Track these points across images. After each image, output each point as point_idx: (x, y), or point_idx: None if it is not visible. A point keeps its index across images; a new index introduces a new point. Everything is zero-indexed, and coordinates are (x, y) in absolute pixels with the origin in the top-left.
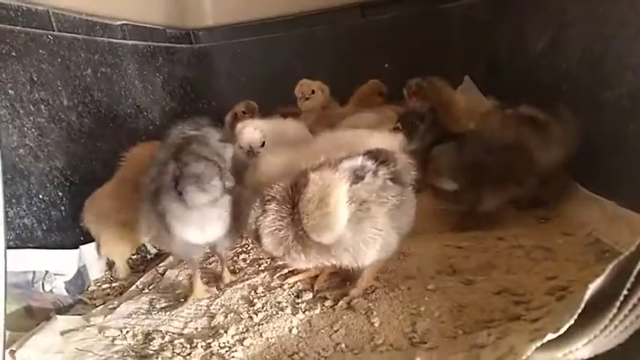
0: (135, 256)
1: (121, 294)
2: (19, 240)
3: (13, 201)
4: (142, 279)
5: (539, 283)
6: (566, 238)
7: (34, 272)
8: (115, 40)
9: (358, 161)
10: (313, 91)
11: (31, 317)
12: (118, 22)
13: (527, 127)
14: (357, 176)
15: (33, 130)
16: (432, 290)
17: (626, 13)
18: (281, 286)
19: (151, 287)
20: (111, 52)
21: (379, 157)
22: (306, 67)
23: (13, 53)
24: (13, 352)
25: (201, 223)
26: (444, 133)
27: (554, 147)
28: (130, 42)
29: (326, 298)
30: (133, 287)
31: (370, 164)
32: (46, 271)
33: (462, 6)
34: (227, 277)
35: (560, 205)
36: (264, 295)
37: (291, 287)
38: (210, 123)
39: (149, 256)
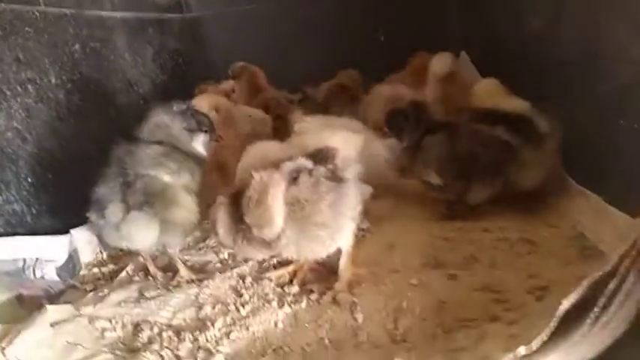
0: None
1: (111, 278)
2: (9, 226)
3: (2, 187)
4: (131, 265)
5: (521, 281)
6: (552, 230)
7: (24, 259)
8: (103, 13)
9: (297, 162)
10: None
11: (23, 306)
12: None
13: (504, 153)
14: (294, 177)
15: (20, 111)
16: (415, 285)
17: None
18: (268, 276)
19: (140, 273)
20: (99, 26)
21: (317, 156)
22: (299, 37)
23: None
24: (3, 349)
25: (124, 235)
26: (433, 123)
27: (532, 172)
28: (119, 14)
29: (312, 291)
30: (124, 273)
31: (308, 164)
32: (37, 258)
33: None
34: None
35: (548, 195)
36: (252, 286)
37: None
38: (182, 109)
39: None
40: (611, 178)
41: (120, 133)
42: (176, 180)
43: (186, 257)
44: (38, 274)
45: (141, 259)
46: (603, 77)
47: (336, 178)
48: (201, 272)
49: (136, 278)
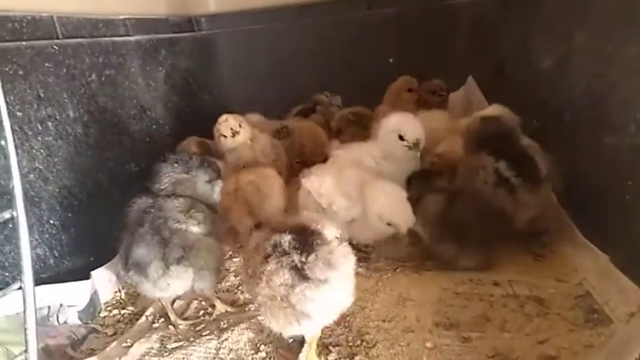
0: None
1: (131, 321)
2: (33, 272)
3: None
4: (150, 308)
5: (530, 348)
6: (559, 284)
7: (49, 306)
8: (118, 38)
9: (274, 238)
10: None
11: (49, 357)
12: (121, 17)
13: (502, 187)
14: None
15: (42, 151)
16: (430, 349)
17: (634, 60)
18: None
19: (160, 320)
20: (114, 52)
21: (298, 237)
22: (309, 58)
23: (20, 72)
24: None
25: (163, 288)
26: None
27: (526, 212)
28: (133, 38)
29: (330, 351)
30: (143, 319)
31: (283, 244)
32: (61, 304)
33: (471, 3)
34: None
35: (555, 241)
36: (270, 342)
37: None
38: (199, 163)
39: None
40: (616, 238)
41: (133, 162)
42: (203, 229)
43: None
44: (62, 319)
45: (160, 303)
46: (611, 131)
47: (303, 275)
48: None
49: (156, 325)
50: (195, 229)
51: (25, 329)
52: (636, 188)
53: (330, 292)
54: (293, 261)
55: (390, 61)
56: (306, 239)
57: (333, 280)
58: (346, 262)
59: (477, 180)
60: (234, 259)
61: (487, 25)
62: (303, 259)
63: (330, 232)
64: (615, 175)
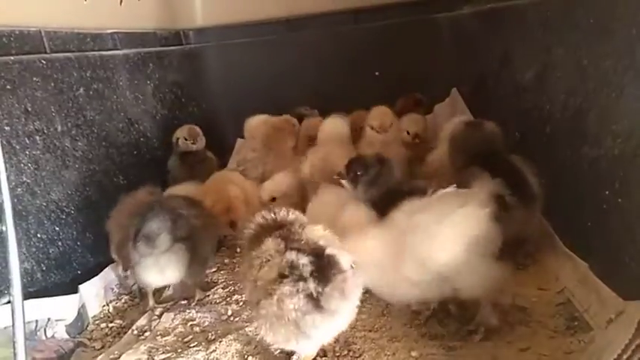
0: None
1: (119, 334)
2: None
3: None
4: (137, 322)
5: (513, 356)
6: (541, 293)
7: (36, 320)
8: (106, 52)
9: (296, 258)
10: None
11: None
12: (109, 31)
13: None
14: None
15: (29, 164)
16: (416, 358)
17: (609, 73)
18: None
19: (146, 333)
20: (102, 66)
21: (318, 259)
22: (296, 71)
23: (8, 86)
24: None
25: (159, 268)
26: (396, 188)
27: (515, 226)
28: (121, 52)
29: None
30: (129, 332)
31: (304, 269)
32: (49, 318)
33: (455, 17)
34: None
35: (537, 252)
36: (258, 353)
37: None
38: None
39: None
40: (595, 247)
41: (121, 175)
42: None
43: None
44: (49, 333)
45: (145, 318)
46: (589, 143)
47: (318, 305)
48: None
49: (143, 337)
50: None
51: (14, 342)
52: (613, 198)
53: (338, 320)
54: (309, 288)
55: (377, 74)
56: (324, 267)
57: (342, 310)
58: (357, 291)
59: None
60: (221, 272)
61: (470, 39)
62: (320, 290)
63: (346, 259)
64: (593, 186)
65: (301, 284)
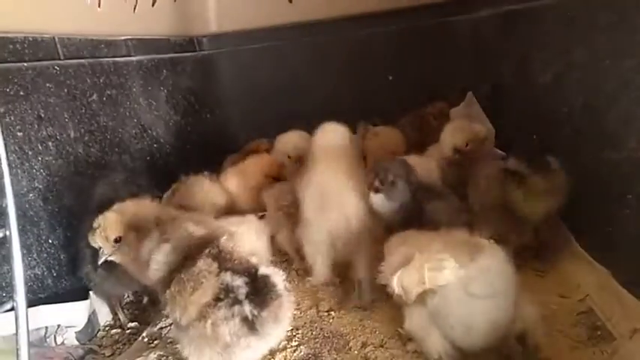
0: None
1: (129, 341)
2: (31, 293)
3: (24, 251)
4: (147, 329)
5: None
6: (561, 301)
7: (46, 327)
8: (119, 59)
9: (232, 281)
10: None
11: None
12: (123, 37)
13: (512, 182)
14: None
15: (42, 170)
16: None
17: (631, 73)
18: None
19: (157, 341)
20: (116, 72)
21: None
22: (310, 77)
23: (22, 92)
24: None
25: None
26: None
27: (540, 201)
28: (135, 58)
29: None
30: (140, 339)
31: (239, 292)
32: (59, 325)
33: (470, 20)
34: None
35: (556, 258)
36: None
37: None
38: None
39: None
40: (617, 252)
41: (134, 182)
42: None
43: None
44: (59, 340)
45: (156, 325)
46: (610, 145)
47: (253, 328)
48: None
49: (152, 345)
50: None
51: (17, 349)
52: (636, 202)
53: (269, 342)
54: (244, 311)
55: (390, 78)
56: (260, 289)
57: (275, 333)
58: (289, 313)
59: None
60: None
61: (486, 42)
62: (255, 313)
63: (280, 279)
64: (615, 190)
65: (237, 308)
